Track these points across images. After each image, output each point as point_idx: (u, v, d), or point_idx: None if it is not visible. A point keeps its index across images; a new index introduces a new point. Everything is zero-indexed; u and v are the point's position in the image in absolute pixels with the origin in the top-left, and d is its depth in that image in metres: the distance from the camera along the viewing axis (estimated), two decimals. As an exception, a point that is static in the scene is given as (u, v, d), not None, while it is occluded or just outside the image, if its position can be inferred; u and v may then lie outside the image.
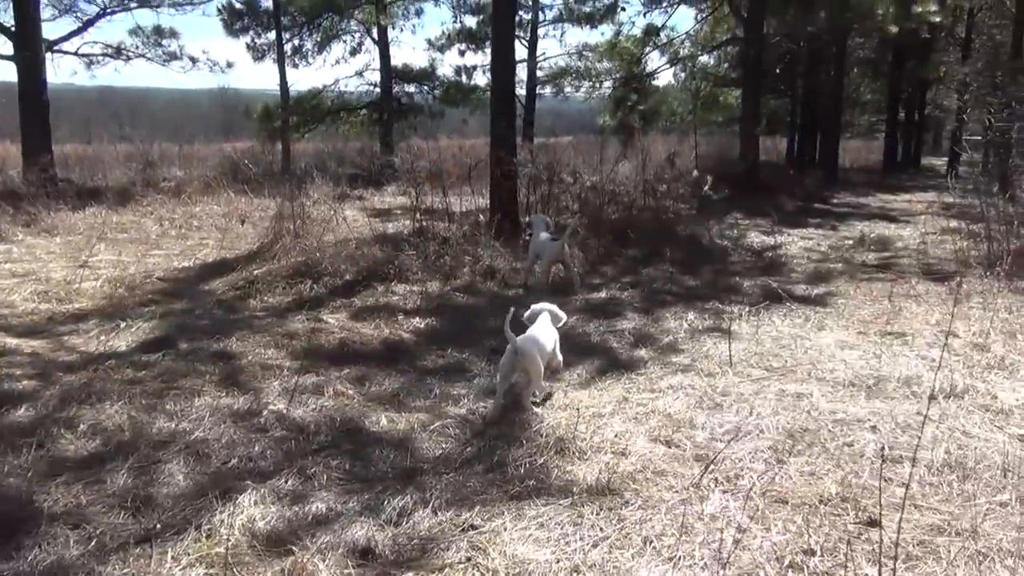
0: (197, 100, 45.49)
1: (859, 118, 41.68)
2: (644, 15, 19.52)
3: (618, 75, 23.19)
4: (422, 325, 7.13)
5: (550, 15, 28.39)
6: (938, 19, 19.51)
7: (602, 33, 28.94)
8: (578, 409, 5.25)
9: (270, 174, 17.67)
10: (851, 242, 12.98)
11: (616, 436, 4.74)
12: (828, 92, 32.67)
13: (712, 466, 4.25)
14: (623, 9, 19.24)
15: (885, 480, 4.14)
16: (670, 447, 4.61)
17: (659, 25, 19.44)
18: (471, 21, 28.01)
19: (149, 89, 47.59)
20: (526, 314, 5.78)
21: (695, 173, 17.61)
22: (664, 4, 19.32)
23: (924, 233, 14.42)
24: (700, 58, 28.19)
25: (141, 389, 5.21)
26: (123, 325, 6.70)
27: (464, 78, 27.81)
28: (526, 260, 9.20)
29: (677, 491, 4.04)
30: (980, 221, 16.38)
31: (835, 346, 6.67)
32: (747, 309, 8.02)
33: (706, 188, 17.06)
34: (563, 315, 5.92)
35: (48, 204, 12.82)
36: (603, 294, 8.61)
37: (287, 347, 6.29)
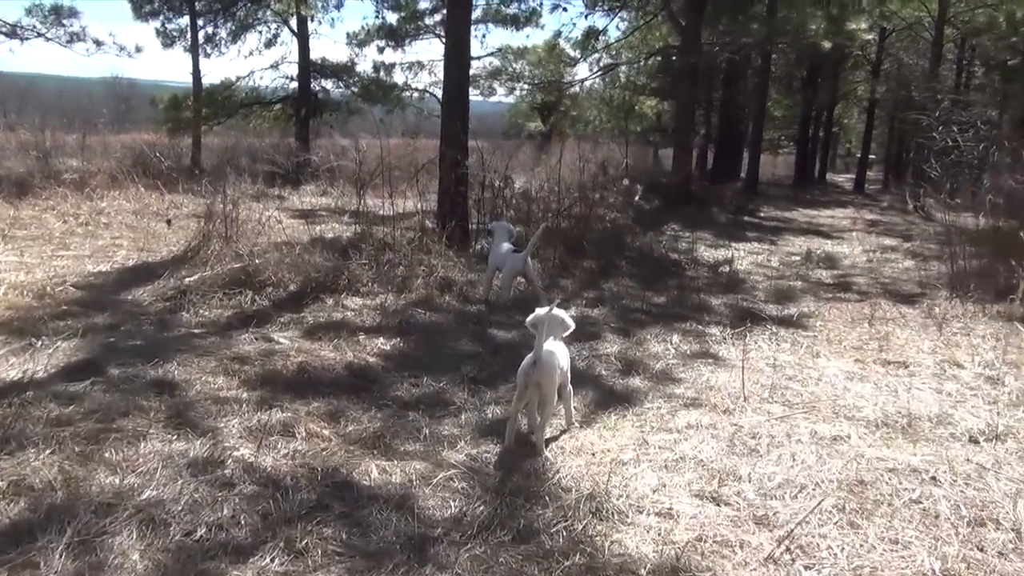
0: (89, 89, 43.13)
1: (766, 133, 42.36)
2: (585, 16, 18.97)
3: (551, 79, 22.59)
4: (388, 347, 6.30)
5: (473, 15, 27.74)
6: (869, 36, 19.54)
7: (527, 36, 28.43)
8: (594, 454, 4.55)
9: (182, 169, 16.48)
10: (798, 258, 12.65)
11: (654, 491, 4.05)
12: (743, 106, 32.92)
13: (782, 535, 3.60)
14: (565, 9, 18.66)
15: (979, 549, 3.58)
16: (720, 506, 3.93)
17: (600, 28, 18.89)
18: (393, 17, 27.13)
19: (37, 75, 45.16)
20: (528, 319, 4.95)
21: (626, 182, 17.19)
22: (604, 6, 18.75)
23: (866, 251, 14.27)
24: (623, 67, 28.01)
25: (72, 431, 4.23)
26: (38, 344, 5.65)
27: (383, 75, 26.90)
28: (486, 272, 8.43)
29: (754, 568, 3.37)
30: (911, 239, 16.44)
31: (842, 377, 6.13)
32: (729, 332, 7.47)
33: (637, 198, 16.63)
34: (571, 323, 5.08)
35: (-67, 195, 11.43)
36: (572, 312, 7.90)
37: (239, 374, 5.37)
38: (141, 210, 12.54)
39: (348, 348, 6.10)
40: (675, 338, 7.12)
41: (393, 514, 3.71)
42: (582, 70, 22.33)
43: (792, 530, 3.61)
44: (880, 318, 8.29)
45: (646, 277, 9.96)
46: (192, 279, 7.39)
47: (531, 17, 26.67)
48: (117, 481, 3.79)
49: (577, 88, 23.27)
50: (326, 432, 4.56)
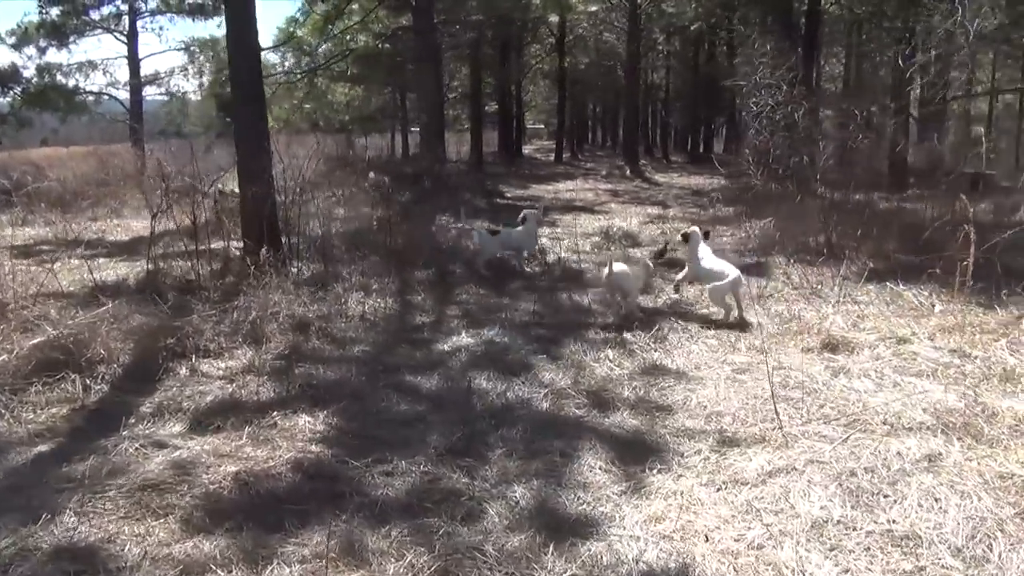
0: None
1: (454, 110, 42.46)
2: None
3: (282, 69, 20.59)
4: (319, 426, 4.83)
5: (151, 4, 24.97)
6: (593, 8, 19.66)
7: (218, 25, 26.03)
8: (708, 538, 3.57)
9: None
10: (598, 239, 12.20)
11: (848, 582, 3.17)
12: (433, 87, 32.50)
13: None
14: None
15: None
16: (940, 587, 3.14)
17: (341, 9, 17.21)
18: (55, 12, 23.64)
19: None
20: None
21: (372, 176, 16.20)
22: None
23: (643, 223, 14.21)
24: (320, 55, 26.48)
25: None
26: None
27: (55, 78, 23.42)
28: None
29: None
30: (667, 206, 16.78)
31: (828, 376, 5.58)
32: (643, 336, 6.74)
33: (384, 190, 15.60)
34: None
35: None
36: (467, 339, 6.77)
37: (170, 511, 3.75)
38: None
39: (275, 439, 4.59)
40: (609, 353, 6.25)
41: None
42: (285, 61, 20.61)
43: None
44: (760, 296, 7.96)
45: (490, 281, 9.00)
46: (-14, 370, 5.37)
47: (219, 5, 24.41)
48: None
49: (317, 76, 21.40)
50: (365, 587, 3.20)
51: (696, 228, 8.21)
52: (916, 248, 9.31)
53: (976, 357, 5.79)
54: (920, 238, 9.47)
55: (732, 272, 7.30)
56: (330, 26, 17.20)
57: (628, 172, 25.43)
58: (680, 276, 8.12)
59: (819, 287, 8.23)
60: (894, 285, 8.03)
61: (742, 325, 7.07)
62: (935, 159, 17.76)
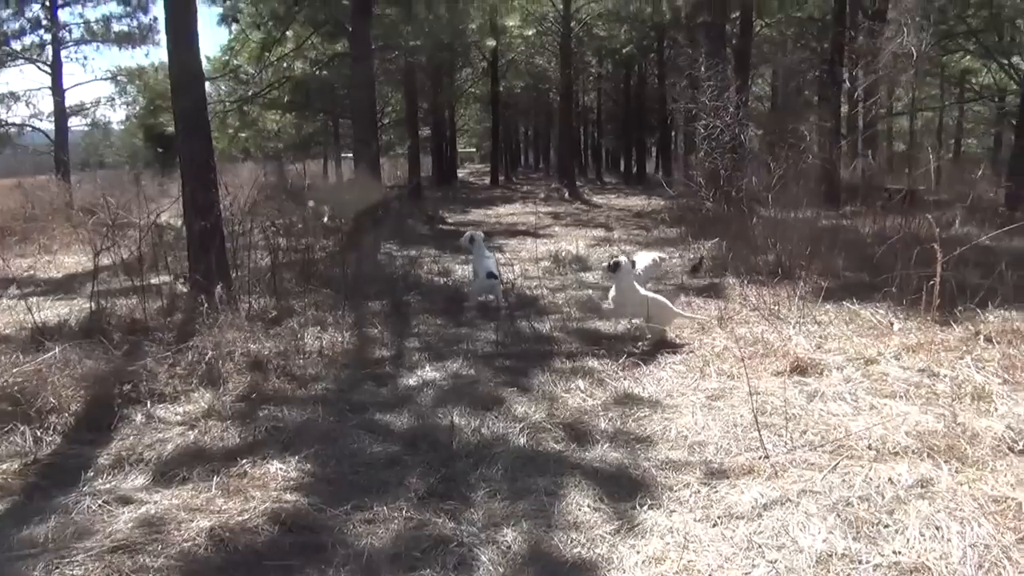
0: None
1: (386, 135, 42.16)
2: (259, 27, 16.72)
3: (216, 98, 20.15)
4: (292, 474, 4.61)
5: (76, 33, 24.32)
6: (530, 32, 19.70)
7: (146, 54, 25.50)
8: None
9: None
10: (549, 263, 12.16)
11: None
12: (369, 112, 32.30)
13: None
14: (236, 22, 16.41)
15: None
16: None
17: (276, 37, 16.91)
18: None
19: None
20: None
21: (311, 204, 15.88)
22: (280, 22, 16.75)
23: (589, 245, 14.19)
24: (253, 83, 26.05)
25: None
26: None
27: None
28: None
29: None
30: (611, 228, 16.83)
31: (804, 401, 5.54)
32: (611, 364, 6.66)
33: (325, 219, 15.35)
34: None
35: None
36: (431, 372, 6.60)
37: (140, 573, 3.51)
38: None
39: (247, 489, 4.36)
40: (580, 384, 6.14)
41: None
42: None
43: None
44: (722, 318, 7.96)
45: (447, 311, 8.83)
46: (-73, 425, 5.03)
47: (148, 34, 23.98)
48: None
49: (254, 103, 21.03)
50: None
51: (624, 257, 7.79)
52: (866, 266, 9.46)
53: (945, 376, 5.81)
54: (865, 256, 9.66)
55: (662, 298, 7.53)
56: (267, 53, 16.92)
57: (567, 195, 25.53)
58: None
59: (776, 308, 8.24)
60: (850, 304, 8.08)
61: (707, 349, 7.02)
62: (868, 176, 18.12)
